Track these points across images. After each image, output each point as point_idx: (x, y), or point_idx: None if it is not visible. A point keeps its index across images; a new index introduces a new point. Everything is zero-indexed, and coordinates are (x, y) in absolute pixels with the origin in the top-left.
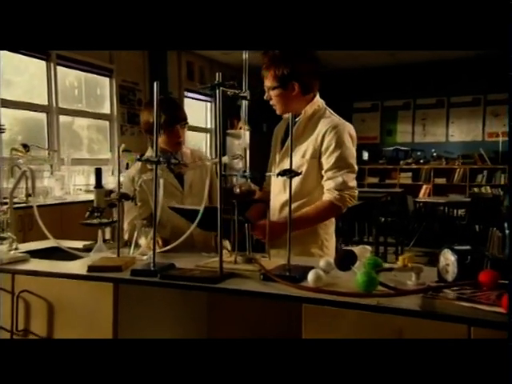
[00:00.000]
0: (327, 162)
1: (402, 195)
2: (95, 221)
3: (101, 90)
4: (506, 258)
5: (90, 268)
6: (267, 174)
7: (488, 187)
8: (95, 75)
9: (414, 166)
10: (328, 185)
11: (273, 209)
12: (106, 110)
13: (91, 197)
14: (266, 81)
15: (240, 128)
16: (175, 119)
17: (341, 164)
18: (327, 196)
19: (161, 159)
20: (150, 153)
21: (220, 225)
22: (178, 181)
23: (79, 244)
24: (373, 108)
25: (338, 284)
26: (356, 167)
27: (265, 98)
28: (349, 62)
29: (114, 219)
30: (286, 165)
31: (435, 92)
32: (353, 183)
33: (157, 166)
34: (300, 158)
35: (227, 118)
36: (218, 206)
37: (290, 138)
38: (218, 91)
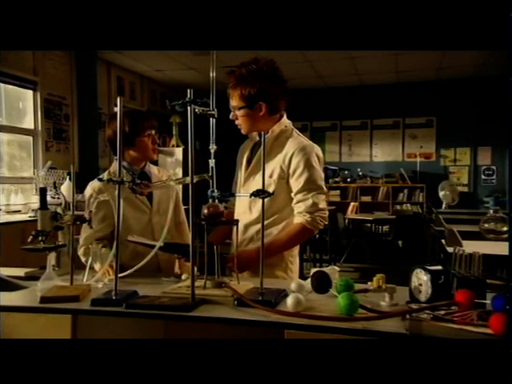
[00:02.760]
0: (296, 184)
1: (333, 213)
2: (40, 245)
3: (23, 104)
4: (474, 276)
5: (44, 299)
6: (238, 194)
7: (409, 205)
8: (17, 87)
9: (341, 185)
10: (298, 208)
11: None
12: (29, 124)
13: (13, 218)
14: (231, 100)
15: (172, 145)
16: (144, 127)
17: (310, 186)
18: (298, 219)
19: (124, 179)
20: (116, 167)
21: (192, 249)
22: (147, 197)
23: (18, 272)
24: (302, 128)
25: (317, 307)
26: (325, 188)
27: (230, 117)
28: None
29: (60, 243)
30: (252, 184)
31: (359, 114)
32: (323, 204)
33: (120, 187)
34: (267, 178)
35: (159, 135)
36: (190, 229)
37: (262, 157)
38: (189, 108)
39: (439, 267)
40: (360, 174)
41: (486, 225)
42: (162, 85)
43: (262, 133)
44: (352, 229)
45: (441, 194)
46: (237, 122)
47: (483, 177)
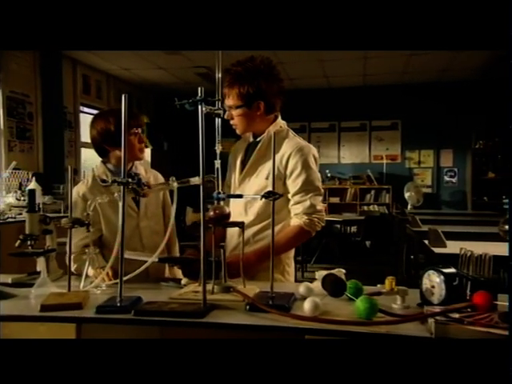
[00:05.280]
0: (294, 185)
1: None
2: (28, 250)
3: None
4: (484, 277)
5: (44, 307)
6: (250, 196)
7: (376, 205)
8: None
9: None
10: (296, 209)
11: (231, 232)
12: None
13: None
14: (227, 99)
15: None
16: (131, 125)
17: (308, 187)
18: (296, 221)
19: (130, 181)
20: (101, 169)
21: (203, 254)
22: (133, 201)
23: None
24: None
25: (333, 311)
26: (322, 190)
27: (225, 117)
28: None
29: (50, 247)
30: (247, 186)
31: (328, 117)
32: (320, 206)
33: (124, 188)
34: (264, 179)
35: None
36: (201, 232)
37: (272, 159)
38: (200, 107)
39: (453, 269)
40: (328, 175)
41: (506, 226)
42: (129, 84)
43: (272, 133)
44: (321, 230)
45: (406, 195)
46: (232, 122)
47: (445, 178)
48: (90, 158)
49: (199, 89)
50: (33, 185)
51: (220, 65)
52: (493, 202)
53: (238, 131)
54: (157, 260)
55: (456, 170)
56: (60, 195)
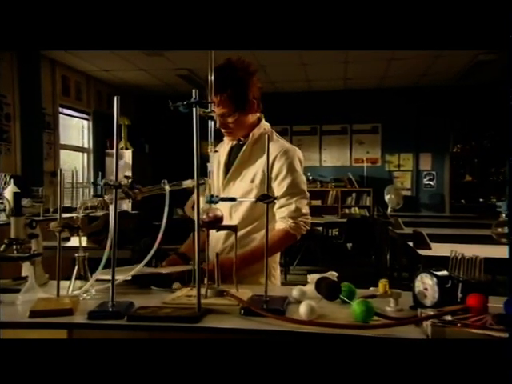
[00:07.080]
0: (279, 188)
1: None
2: (14, 254)
3: None
4: (475, 279)
5: (33, 313)
6: (242, 199)
7: (356, 208)
8: None
9: None
10: (281, 213)
11: (217, 237)
12: None
13: None
14: (218, 108)
15: (121, 148)
16: None
17: (293, 191)
18: (281, 225)
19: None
20: None
21: (197, 257)
22: None
23: None
24: None
25: (328, 315)
26: (308, 193)
27: (218, 126)
28: None
29: (36, 251)
30: (232, 190)
31: (309, 120)
32: (306, 209)
33: (116, 191)
34: (249, 183)
35: (106, 138)
36: (195, 237)
37: (266, 162)
38: (194, 109)
39: (445, 272)
40: (310, 178)
41: (500, 229)
42: (110, 85)
43: (266, 136)
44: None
45: (386, 197)
46: (226, 130)
47: (424, 181)
48: (68, 161)
49: (193, 91)
50: (12, 188)
51: (212, 66)
52: (470, 204)
53: (231, 137)
54: (129, 278)
55: (434, 173)
56: (39, 198)
